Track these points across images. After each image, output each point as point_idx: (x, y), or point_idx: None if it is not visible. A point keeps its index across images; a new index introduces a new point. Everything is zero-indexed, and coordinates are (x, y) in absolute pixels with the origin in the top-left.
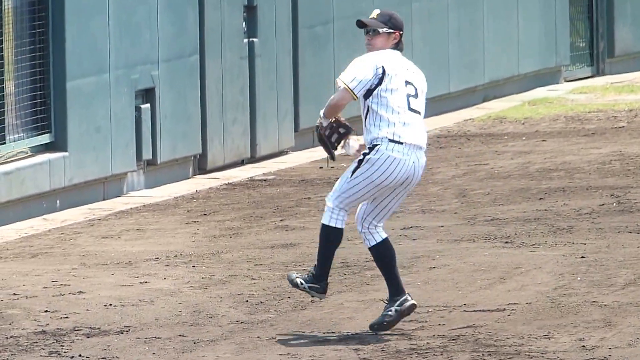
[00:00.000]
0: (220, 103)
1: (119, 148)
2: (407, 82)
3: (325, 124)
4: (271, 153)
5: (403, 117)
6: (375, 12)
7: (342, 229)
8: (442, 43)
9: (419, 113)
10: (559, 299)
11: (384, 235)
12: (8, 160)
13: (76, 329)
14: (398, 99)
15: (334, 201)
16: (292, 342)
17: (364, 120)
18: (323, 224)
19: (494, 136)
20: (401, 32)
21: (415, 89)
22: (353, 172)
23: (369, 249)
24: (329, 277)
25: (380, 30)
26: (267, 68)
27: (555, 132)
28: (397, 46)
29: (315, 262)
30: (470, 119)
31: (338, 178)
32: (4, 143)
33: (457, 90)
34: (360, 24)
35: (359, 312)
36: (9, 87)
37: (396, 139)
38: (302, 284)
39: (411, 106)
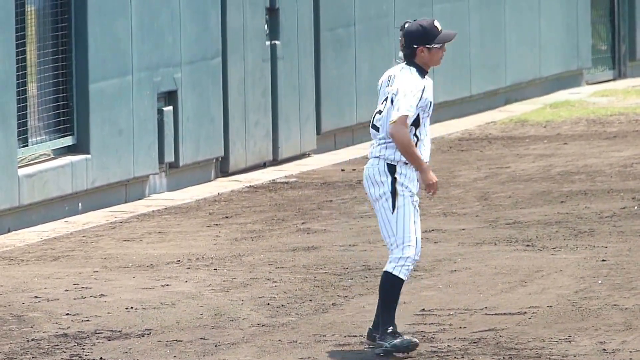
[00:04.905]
0: (242, 105)
1: (141, 150)
2: (385, 99)
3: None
4: (293, 155)
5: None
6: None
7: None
8: (464, 45)
9: (377, 129)
10: (580, 302)
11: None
12: (30, 162)
13: (97, 331)
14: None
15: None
16: (313, 345)
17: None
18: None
19: (515, 139)
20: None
21: (385, 103)
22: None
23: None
24: (351, 280)
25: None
26: (289, 70)
27: (576, 135)
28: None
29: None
30: (492, 122)
31: (359, 180)
32: (27, 145)
33: (478, 93)
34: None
35: None
36: (32, 89)
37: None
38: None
39: (374, 122)
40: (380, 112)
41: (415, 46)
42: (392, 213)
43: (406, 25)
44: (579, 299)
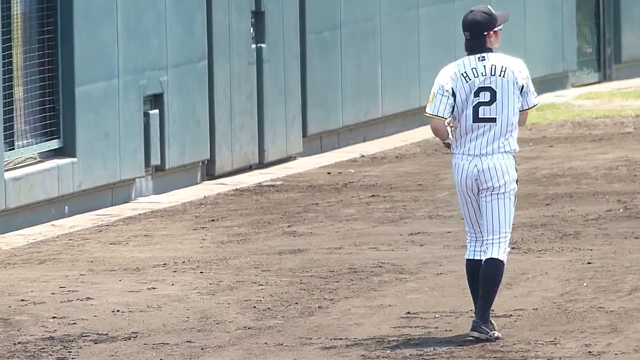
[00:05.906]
0: (228, 109)
1: (128, 154)
2: (480, 89)
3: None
4: (279, 159)
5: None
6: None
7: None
8: (449, 48)
9: (493, 120)
10: (566, 304)
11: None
12: (17, 166)
13: (84, 335)
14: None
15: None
16: (299, 348)
17: None
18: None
19: None
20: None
21: (492, 94)
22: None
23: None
24: (337, 283)
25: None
26: (275, 73)
27: (562, 138)
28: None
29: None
30: None
31: (345, 184)
32: (13, 149)
33: None
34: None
35: (366, 318)
36: (18, 92)
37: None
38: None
39: (480, 115)
40: (485, 103)
41: (485, 33)
42: (513, 206)
43: (468, 18)
44: (565, 301)
